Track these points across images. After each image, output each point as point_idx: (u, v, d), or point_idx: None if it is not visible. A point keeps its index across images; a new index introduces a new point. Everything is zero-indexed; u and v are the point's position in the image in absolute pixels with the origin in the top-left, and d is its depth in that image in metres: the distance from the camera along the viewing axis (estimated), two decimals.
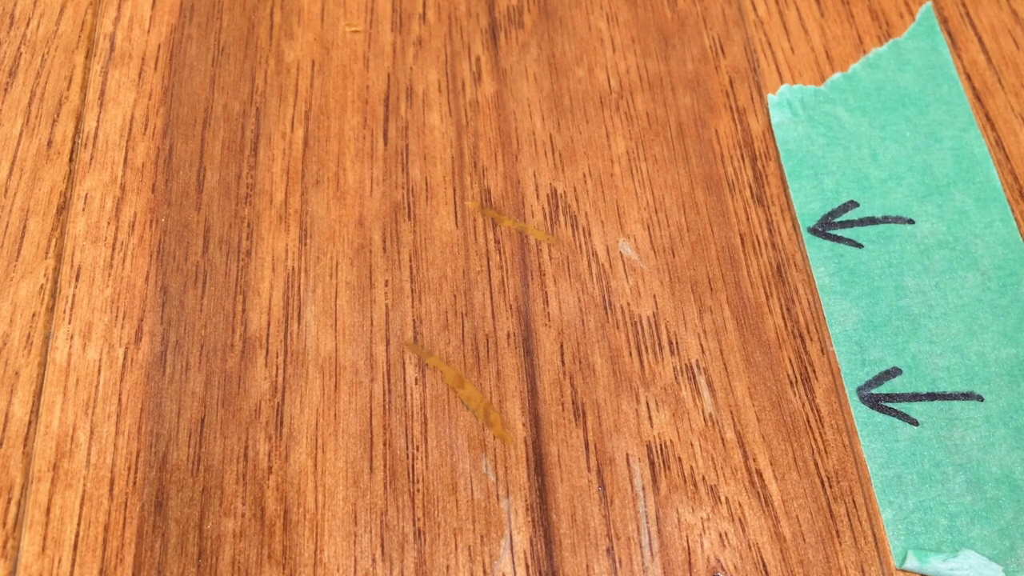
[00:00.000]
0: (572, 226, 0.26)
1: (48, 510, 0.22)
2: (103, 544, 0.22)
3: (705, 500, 0.22)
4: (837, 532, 0.22)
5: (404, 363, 0.24)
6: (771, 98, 0.28)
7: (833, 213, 0.26)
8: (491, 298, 0.25)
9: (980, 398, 0.24)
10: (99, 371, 0.24)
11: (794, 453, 0.23)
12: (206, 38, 0.29)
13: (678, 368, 0.24)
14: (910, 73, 0.28)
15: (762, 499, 0.22)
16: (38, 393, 0.23)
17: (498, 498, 0.22)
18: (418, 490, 0.22)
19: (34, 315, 0.24)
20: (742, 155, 0.27)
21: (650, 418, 0.23)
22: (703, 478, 0.22)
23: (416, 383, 0.24)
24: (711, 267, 0.25)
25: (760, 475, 0.23)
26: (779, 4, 0.30)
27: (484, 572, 0.21)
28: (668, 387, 0.24)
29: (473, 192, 0.26)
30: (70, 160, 0.27)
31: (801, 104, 0.28)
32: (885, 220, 0.26)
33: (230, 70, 0.28)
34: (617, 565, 0.22)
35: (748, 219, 0.26)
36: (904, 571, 0.22)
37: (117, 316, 0.24)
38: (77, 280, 0.25)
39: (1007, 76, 0.28)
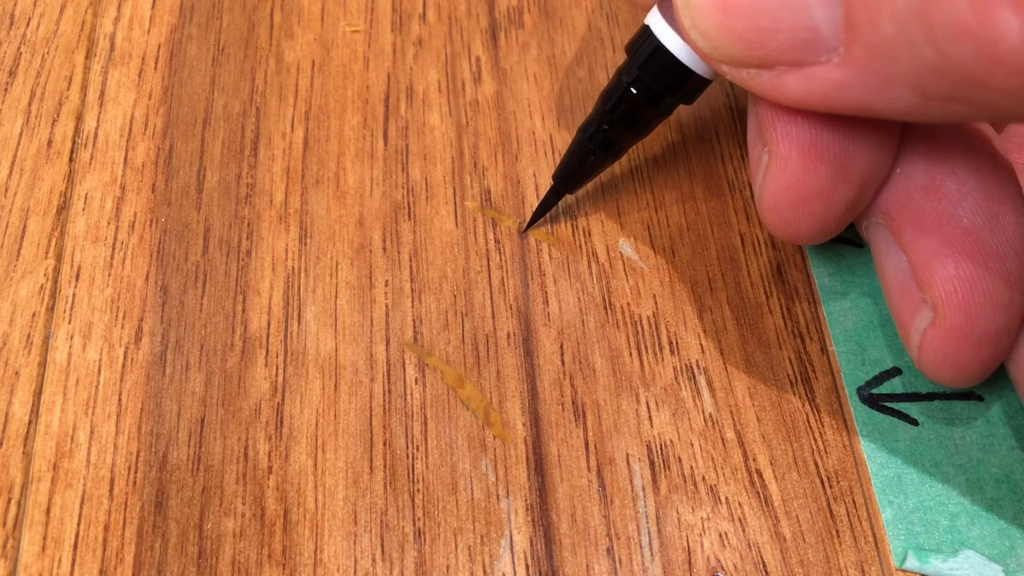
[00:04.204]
0: (572, 226, 0.26)
1: (48, 510, 0.22)
2: (103, 544, 0.22)
3: (705, 500, 0.22)
4: (837, 532, 0.22)
5: (404, 363, 0.24)
6: None
7: None
8: (491, 298, 0.25)
9: (980, 398, 0.24)
10: (99, 371, 0.24)
11: (794, 453, 0.23)
12: (206, 38, 0.29)
13: (678, 368, 0.24)
14: None
15: (762, 499, 0.22)
16: (38, 393, 0.23)
17: (498, 498, 0.22)
18: (418, 490, 0.22)
19: (34, 315, 0.24)
20: (742, 155, 0.27)
21: (650, 418, 0.23)
22: (703, 478, 0.22)
23: (416, 383, 0.24)
24: (711, 267, 0.25)
25: (760, 475, 0.23)
26: None
27: (484, 572, 0.21)
28: (668, 387, 0.24)
29: (473, 192, 0.26)
30: (70, 160, 0.27)
31: None
32: None
33: (230, 70, 0.28)
34: (617, 565, 0.22)
35: (748, 219, 0.26)
36: (904, 571, 0.22)
37: (117, 316, 0.24)
38: (77, 280, 0.25)
39: None
